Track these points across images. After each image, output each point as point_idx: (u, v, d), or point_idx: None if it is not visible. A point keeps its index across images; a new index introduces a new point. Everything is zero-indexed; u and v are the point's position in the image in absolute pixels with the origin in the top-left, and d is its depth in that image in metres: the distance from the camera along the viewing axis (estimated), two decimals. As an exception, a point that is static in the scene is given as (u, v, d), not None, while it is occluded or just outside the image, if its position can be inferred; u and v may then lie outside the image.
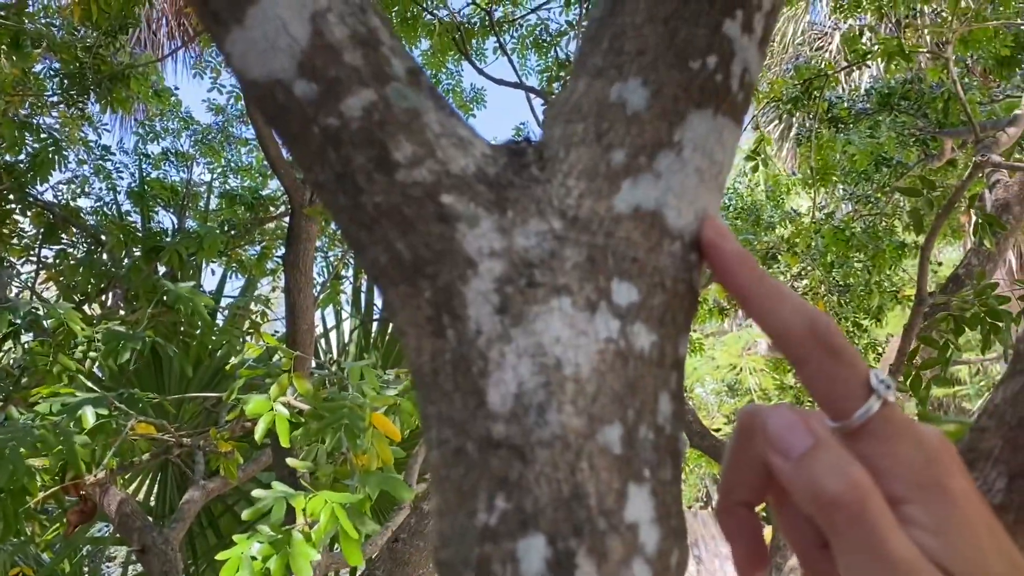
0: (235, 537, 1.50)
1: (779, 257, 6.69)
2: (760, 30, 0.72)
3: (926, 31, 6.78)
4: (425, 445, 0.65)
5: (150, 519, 5.70)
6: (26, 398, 2.55)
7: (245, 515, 1.57)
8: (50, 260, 5.66)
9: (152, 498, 6.31)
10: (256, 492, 1.59)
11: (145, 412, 2.10)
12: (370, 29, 0.68)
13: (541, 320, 0.62)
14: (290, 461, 1.85)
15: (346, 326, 7.29)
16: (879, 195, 6.63)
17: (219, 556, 1.48)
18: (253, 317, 5.73)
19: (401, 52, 0.71)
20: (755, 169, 6.94)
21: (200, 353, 4.36)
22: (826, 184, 6.81)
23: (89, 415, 1.94)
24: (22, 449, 1.79)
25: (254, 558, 1.49)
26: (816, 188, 7.12)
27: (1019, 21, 6.23)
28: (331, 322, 6.80)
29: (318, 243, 6.52)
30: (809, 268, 7.09)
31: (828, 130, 7.35)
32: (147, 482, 6.30)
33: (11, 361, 2.91)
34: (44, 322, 3.25)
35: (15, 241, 5.63)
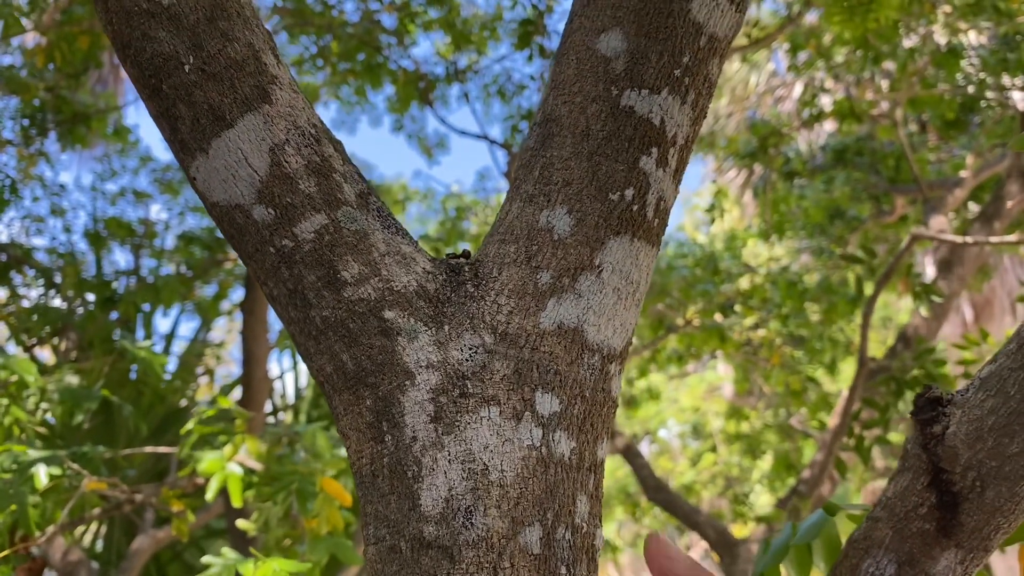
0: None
1: (736, 308, 6.83)
2: (675, 163, 0.81)
3: (876, 92, 7.06)
4: (363, 541, 0.71)
5: (96, 567, 5.56)
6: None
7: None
8: (1, 300, 5.59)
9: (99, 544, 6.18)
10: (205, 559, 1.62)
11: (97, 469, 2.11)
12: (323, 158, 0.76)
13: (471, 428, 0.69)
14: (240, 523, 1.87)
15: (302, 369, 7.26)
16: (833, 248, 6.82)
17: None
18: (206, 362, 5.71)
19: (352, 177, 0.78)
20: (712, 221, 7.12)
21: (152, 400, 4.34)
22: (781, 236, 6.99)
23: (42, 474, 1.95)
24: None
25: (203, 623, 1.52)
26: (771, 240, 7.31)
27: (963, 86, 6.51)
28: (287, 365, 6.77)
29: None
30: (765, 319, 7.24)
31: (784, 183, 7.57)
32: (95, 528, 6.18)
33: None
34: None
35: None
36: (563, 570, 0.68)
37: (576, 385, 0.73)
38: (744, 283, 6.61)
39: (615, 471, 11.06)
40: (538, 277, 0.75)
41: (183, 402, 5.83)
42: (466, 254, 0.80)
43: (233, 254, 7.08)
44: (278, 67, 0.77)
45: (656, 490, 4.25)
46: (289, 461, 1.85)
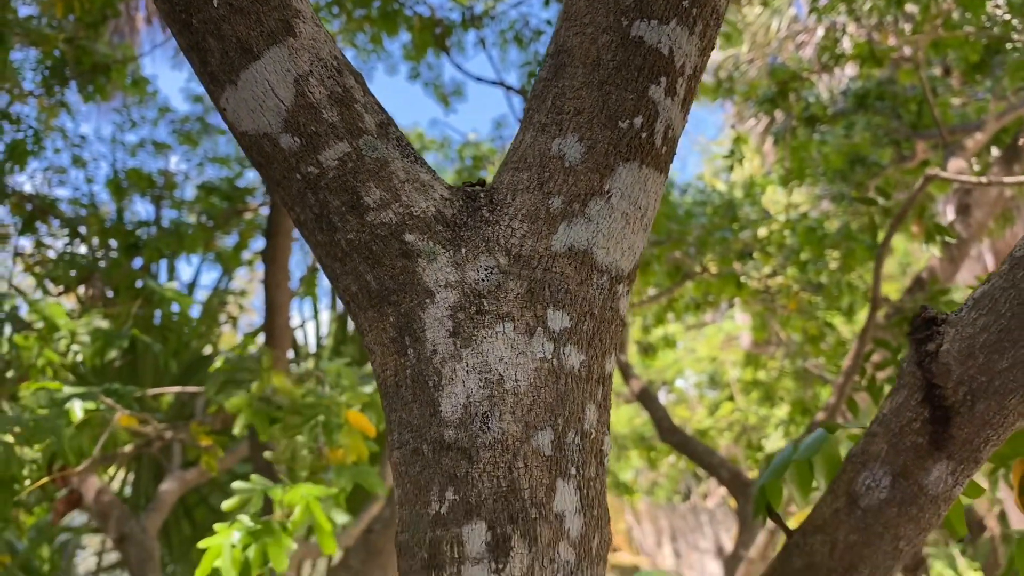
0: (216, 526, 1.60)
1: (753, 256, 6.82)
2: (683, 92, 0.84)
3: (898, 36, 6.93)
4: (388, 446, 0.76)
5: (127, 508, 5.75)
6: (13, 392, 2.63)
7: (225, 506, 1.67)
8: (27, 250, 5.68)
9: (127, 490, 6.35)
10: (236, 484, 1.69)
11: (129, 405, 2.19)
12: (345, 89, 0.80)
13: (487, 342, 0.74)
14: (268, 455, 1.95)
15: (323, 318, 7.36)
16: (854, 194, 6.77)
17: (200, 544, 1.59)
18: (229, 310, 5.80)
19: (373, 107, 0.82)
20: (731, 168, 7.07)
21: (176, 346, 4.42)
22: (800, 182, 6.94)
23: (77, 409, 2.03)
24: (9, 438, 1.88)
25: (234, 546, 1.59)
26: (791, 187, 7.26)
27: (989, 27, 6.37)
28: (308, 314, 6.85)
29: (295, 234, 6.59)
30: (782, 266, 7.23)
31: (804, 130, 7.48)
32: (123, 473, 6.34)
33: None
34: (21, 314, 3.32)
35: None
36: (573, 470, 0.73)
37: (585, 303, 0.78)
38: (762, 230, 6.59)
39: (632, 419, 11.16)
40: (550, 202, 0.79)
41: (207, 350, 5.93)
42: (481, 182, 0.84)
43: (253, 203, 7.14)
44: (301, 1, 0.80)
45: (670, 432, 4.32)
46: (315, 396, 1.92)
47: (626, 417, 11.71)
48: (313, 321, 6.97)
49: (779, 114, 8.04)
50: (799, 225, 6.73)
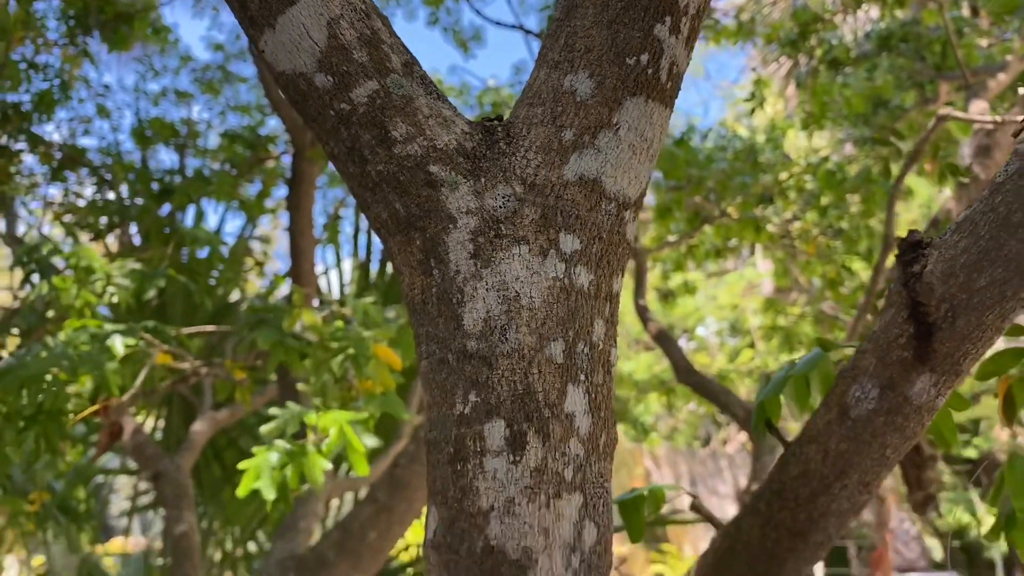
0: (254, 449, 1.71)
1: (773, 200, 6.81)
2: (687, 31, 0.90)
3: (921, -26, 6.80)
4: (416, 357, 0.85)
5: (160, 448, 5.94)
6: (53, 331, 2.75)
7: (263, 430, 1.78)
8: (56, 199, 5.80)
9: (158, 434, 6.55)
10: (272, 410, 1.80)
11: (167, 342, 2.31)
12: (373, 31, 0.86)
13: (505, 263, 0.82)
14: (301, 386, 2.06)
15: (346, 266, 7.47)
16: (876, 136, 6.71)
17: (240, 465, 1.70)
18: (255, 256, 5.91)
19: (398, 48, 0.89)
20: (752, 112, 7.03)
21: (207, 288, 4.56)
22: (820, 126, 6.90)
23: (119, 345, 2.14)
24: (56, 371, 2.00)
25: (272, 467, 1.71)
26: (811, 131, 7.21)
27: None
28: (331, 262, 6.96)
29: (317, 182, 6.66)
30: (803, 211, 7.22)
31: (828, 72, 7.39)
32: (152, 419, 6.54)
33: (35, 297, 3.10)
34: (53, 260, 3.44)
35: (22, 179, 5.77)
36: (582, 377, 0.81)
37: (595, 228, 0.85)
38: (783, 175, 6.57)
39: (652, 366, 11.27)
40: (562, 135, 0.86)
41: (234, 296, 6.07)
42: (499, 117, 0.91)
43: (275, 152, 7.20)
44: (331, -52, 0.87)
45: (687, 372, 4.41)
46: (343, 331, 2.01)
47: (646, 364, 11.82)
48: (336, 269, 7.08)
49: (802, 58, 7.93)
50: (819, 169, 6.69)
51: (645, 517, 1.27)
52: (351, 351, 1.94)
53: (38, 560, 7.23)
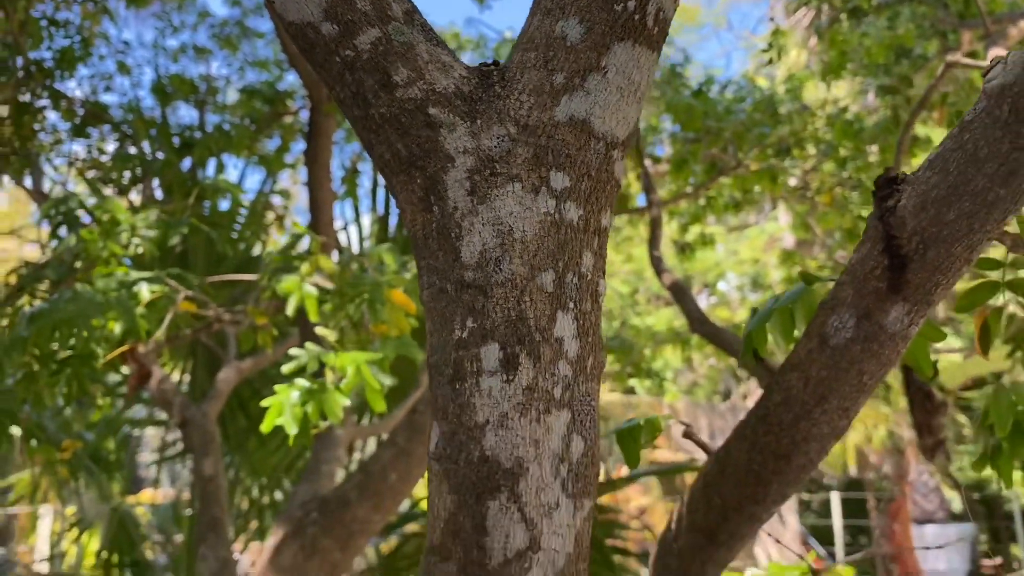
0: (276, 387, 1.81)
1: (790, 151, 6.78)
2: (672, -22, 0.94)
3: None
4: (420, 288, 0.91)
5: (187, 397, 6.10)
6: (82, 281, 2.85)
7: (285, 369, 1.87)
8: (80, 155, 5.89)
9: (182, 387, 6.71)
10: (293, 350, 1.89)
11: (190, 288, 2.39)
12: (375, -19, 0.92)
13: (499, 199, 0.88)
14: (319, 330, 2.14)
15: (365, 221, 7.53)
16: (884, 86, 6.64)
17: (264, 403, 1.79)
18: (276, 211, 6.00)
19: (399, -3, 0.94)
20: (769, 62, 6.97)
21: (228, 240, 4.66)
22: (837, 76, 6.82)
23: (145, 291, 2.24)
24: (87, 315, 2.09)
25: (294, 404, 1.80)
26: (829, 81, 7.13)
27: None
28: (350, 216, 7.02)
29: (335, 137, 6.70)
30: (821, 162, 7.17)
31: (849, 22, 7.29)
32: (179, 370, 6.70)
33: (63, 249, 3.20)
34: (78, 213, 3.53)
35: (46, 136, 5.87)
36: (571, 304, 0.88)
37: (584, 166, 0.91)
38: (800, 125, 6.52)
39: (673, 320, 11.31)
40: (553, 78, 0.92)
41: (256, 250, 6.17)
42: (496, 63, 0.97)
43: (293, 107, 7.24)
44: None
45: (700, 323, 4.47)
46: (360, 277, 2.09)
47: (666, 318, 11.87)
48: (355, 224, 7.16)
49: (824, 7, 7.80)
50: (837, 120, 6.63)
51: (643, 446, 1.34)
52: (367, 296, 2.02)
53: (71, 510, 7.47)
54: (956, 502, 16.87)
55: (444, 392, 0.88)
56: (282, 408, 1.73)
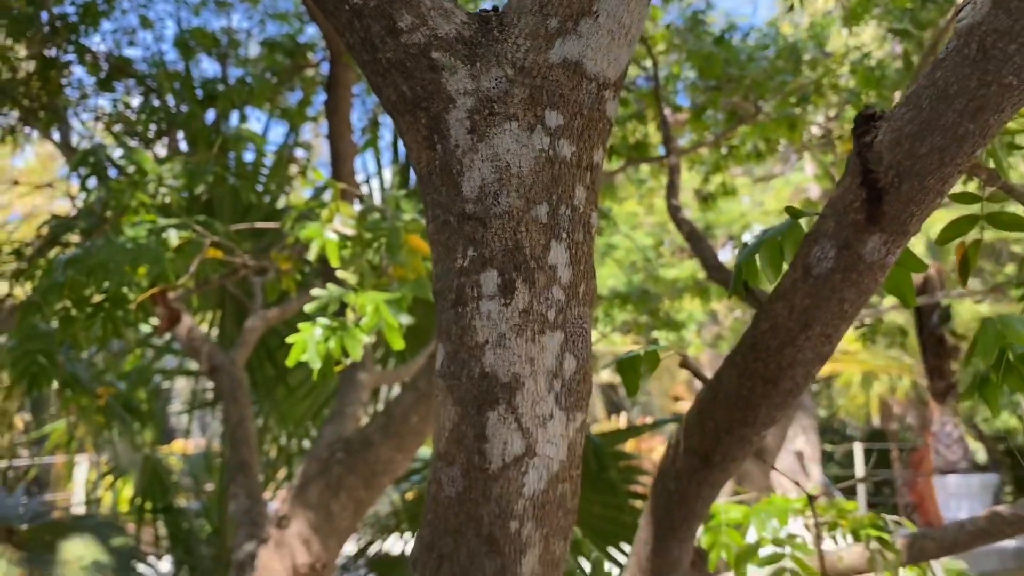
0: (299, 325, 1.90)
1: (809, 99, 6.72)
2: (662, -75, 0.99)
3: None
4: (425, 221, 0.99)
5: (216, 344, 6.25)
6: (114, 226, 2.95)
7: (307, 308, 1.96)
8: (106, 109, 5.98)
9: (212, 336, 6.85)
10: (314, 291, 1.98)
11: (216, 233, 2.49)
12: (381, -68, 0.98)
13: (497, 137, 0.95)
14: (339, 274, 2.23)
15: (387, 174, 7.58)
16: (893, 29, 6.53)
17: (288, 339, 1.89)
18: (299, 163, 6.08)
19: (403, -53, 1.00)
20: (791, 8, 6.88)
21: (253, 191, 4.75)
22: (858, 21, 6.72)
23: (173, 237, 2.33)
24: (120, 260, 2.19)
25: (317, 341, 1.89)
26: (851, 27, 7.03)
27: None
28: (372, 170, 7.07)
29: (355, 90, 6.74)
30: (843, 109, 7.10)
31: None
32: (207, 323, 6.86)
33: (94, 200, 3.31)
34: (108, 164, 3.63)
35: (72, 91, 5.96)
36: (564, 235, 0.95)
37: (576, 105, 0.97)
38: (821, 72, 6.45)
39: (696, 272, 11.33)
40: (548, 22, 0.98)
41: (280, 203, 6.27)
42: (495, 9, 1.03)
43: (314, 59, 7.27)
44: None
45: (716, 269, 4.51)
46: (378, 222, 2.17)
47: (690, 270, 11.89)
48: (377, 177, 7.22)
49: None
50: (859, 66, 6.55)
51: (642, 375, 1.42)
52: (385, 240, 2.10)
53: (105, 459, 7.70)
54: (980, 453, 16.89)
55: (447, 316, 0.96)
56: (306, 345, 1.83)
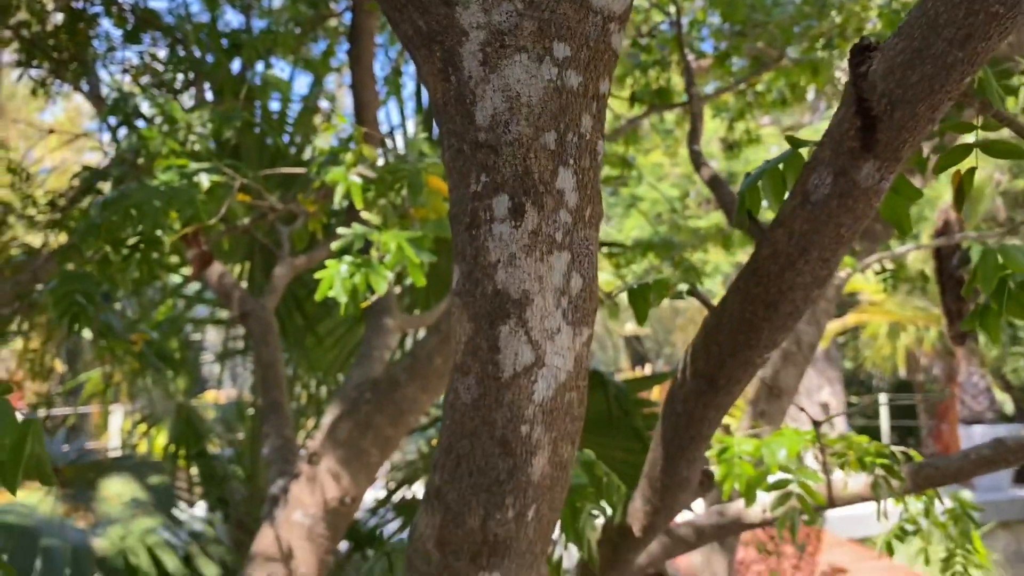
0: (326, 262, 1.99)
1: (833, 43, 6.63)
2: None
3: None
4: (441, 151, 1.05)
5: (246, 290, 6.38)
6: (146, 174, 3.05)
7: (333, 246, 2.05)
8: (133, 62, 6.06)
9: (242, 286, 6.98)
10: (340, 229, 2.06)
11: (246, 175, 2.57)
12: None
13: (508, 68, 1.01)
14: (364, 214, 2.31)
15: (409, 125, 7.61)
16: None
17: (316, 275, 1.98)
18: (323, 112, 6.13)
19: None
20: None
21: (278, 138, 4.84)
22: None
23: (204, 180, 2.42)
24: (154, 202, 2.29)
25: (343, 276, 1.97)
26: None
27: None
28: (396, 121, 7.08)
29: (379, 39, 6.75)
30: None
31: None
32: (236, 272, 6.99)
33: (125, 148, 3.40)
34: (137, 113, 3.71)
35: (100, 43, 6.03)
36: (571, 161, 1.02)
37: (583, 37, 1.03)
38: (847, 16, 6.35)
39: (720, 223, 11.30)
40: (555, -42, 1.03)
41: (306, 154, 6.35)
42: (506, -52, 1.07)
43: (337, 9, 7.27)
44: None
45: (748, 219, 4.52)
46: (400, 164, 2.23)
47: (716, 221, 11.86)
48: (401, 129, 7.26)
49: None
50: (884, 9, 6.44)
51: (652, 304, 1.49)
52: (407, 181, 2.17)
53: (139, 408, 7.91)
54: (1007, 403, 16.83)
55: (462, 238, 1.03)
56: (332, 280, 1.91)
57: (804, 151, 1.27)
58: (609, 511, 1.76)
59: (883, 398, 17.97)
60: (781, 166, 1.28)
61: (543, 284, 1.00)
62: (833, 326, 17.43)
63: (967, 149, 1.22)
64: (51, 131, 5.27)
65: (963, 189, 1.26)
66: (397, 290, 5.51)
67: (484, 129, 1.01)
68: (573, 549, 1.87)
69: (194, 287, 6.55)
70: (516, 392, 1.01)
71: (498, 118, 1.01)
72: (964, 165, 1.28)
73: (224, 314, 6.99)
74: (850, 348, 20.28)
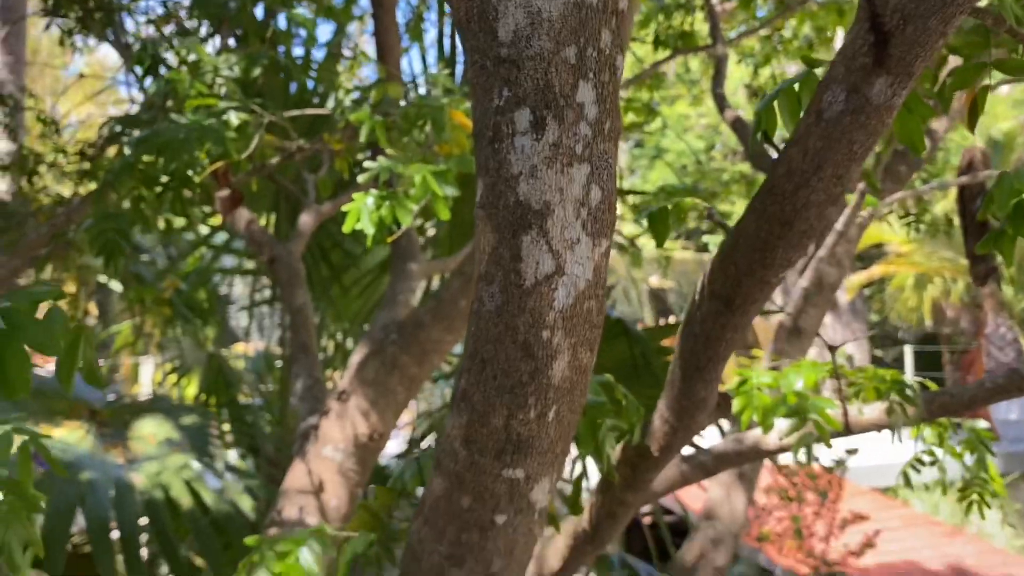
0: (353, 195, 2.04)
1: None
2: None
3: None
4: (467, 67, 1.09)
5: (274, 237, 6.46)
6: (177, 111, 3.10)
7: (360, 178, 2.10)
8: (157, 11, 6.09)
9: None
10: (366, 163, 2.11)
11: (272, 111, 2.62)
12: None
13: (529, -13, 1.04)
14: (388, 151, 2.35)
15: (433, 69, 7.58)
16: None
17: (343, 208, 2.03)
18: (347, 58, 6.14)
19: None
20: None
21: (304, 83, 4.87)
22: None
23: (233, 117, 2.47)
24: (185, 139, 2.34)
25: (369, 209, 2.03)
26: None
27: None
28: (419, 68, 7.06)
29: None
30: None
31: None
32: (263, 220, 7.07)
33: (154, 91, 3.45)
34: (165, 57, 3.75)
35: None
36: (591, 75, 1.05)
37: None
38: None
39: (745, 170, 11.21)
40: None
41: (330, 102, 6.37)
42: None
43: (358, -45, 7.18)
44: None
45: (761, 157, 4.53)
46: (423, 100, 2.27)
47: (740, 168, 11.78)
48: (423, 76, 7.25)
49: None
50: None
51: (671, 228, 1.54)
52: (430, 117, 2.21)
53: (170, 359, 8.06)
54: (1035, 355, 16.71)
55: (485, 152, 1.08)
56: (359, 212, 1.97)
57: (819, 71, 1.29)
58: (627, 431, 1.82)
59: (908, 350, 17.90)
60: (796, 86, 1.31)
61: (563, 195, 1.05)
62: (859, 278, 17.31)
63: (980, 67, 1.24)
64: (82, 75, 5.32)
65: (977, 108, 1.28)
66: (421, 240, 5.57)
67: (506, 44, 1.05)
68: (594, 472, 1.94)
69: (222, 237, 6.64)
70: (537, 299, 1.06)
71: (520, 33, 1.04)
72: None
73: (251, 265, 7.08)
74: (876, 300, 20.14)
